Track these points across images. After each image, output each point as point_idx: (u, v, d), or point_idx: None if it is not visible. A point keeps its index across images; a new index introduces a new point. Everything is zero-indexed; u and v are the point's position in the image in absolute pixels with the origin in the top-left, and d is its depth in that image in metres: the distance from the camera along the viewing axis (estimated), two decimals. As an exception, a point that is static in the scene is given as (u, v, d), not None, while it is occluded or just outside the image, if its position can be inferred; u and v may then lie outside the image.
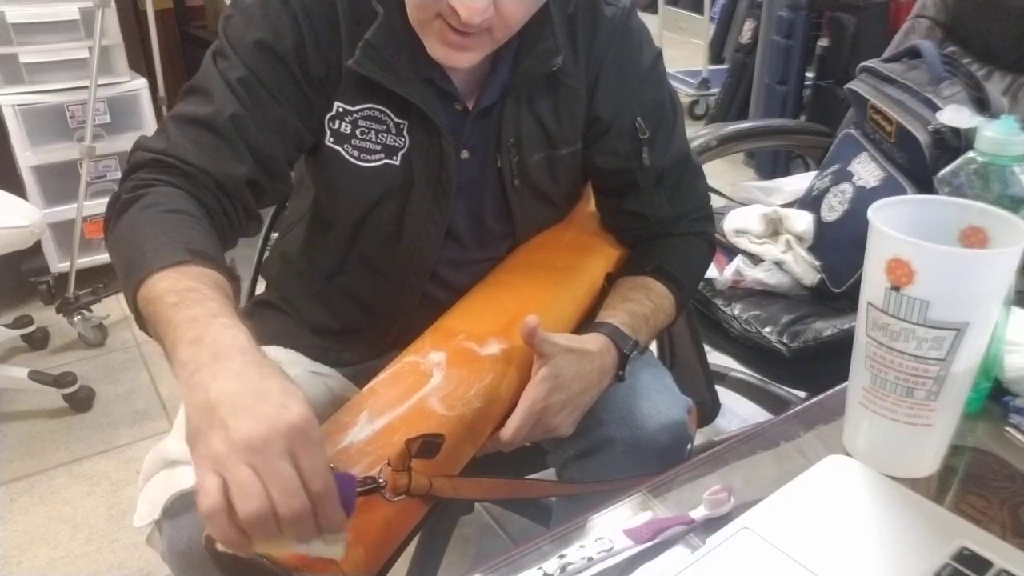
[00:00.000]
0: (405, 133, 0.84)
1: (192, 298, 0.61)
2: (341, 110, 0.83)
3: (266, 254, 1.08)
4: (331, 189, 0.88)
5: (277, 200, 0.87)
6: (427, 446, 0.67)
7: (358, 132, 0.83)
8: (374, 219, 0.87)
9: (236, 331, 0.58)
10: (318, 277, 0.94)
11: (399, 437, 0.67)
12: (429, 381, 0.77)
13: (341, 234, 0.89)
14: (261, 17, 0.79)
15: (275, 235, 1.06)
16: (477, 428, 0.77)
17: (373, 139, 0.84)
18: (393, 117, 0.83)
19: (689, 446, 0.87)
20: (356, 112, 0.83)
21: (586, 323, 0.89)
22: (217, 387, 0.54)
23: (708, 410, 1.09)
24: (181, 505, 0.74)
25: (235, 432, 0.51)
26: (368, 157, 0.84)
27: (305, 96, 0.81)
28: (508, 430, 0.76)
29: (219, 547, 0.61)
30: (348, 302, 0.94)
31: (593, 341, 0.81)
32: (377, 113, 0.83)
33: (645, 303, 0.88)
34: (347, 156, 0.84)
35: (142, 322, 0.65)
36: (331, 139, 0.84)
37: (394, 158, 0.84)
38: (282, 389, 0.55)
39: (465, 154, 0.87)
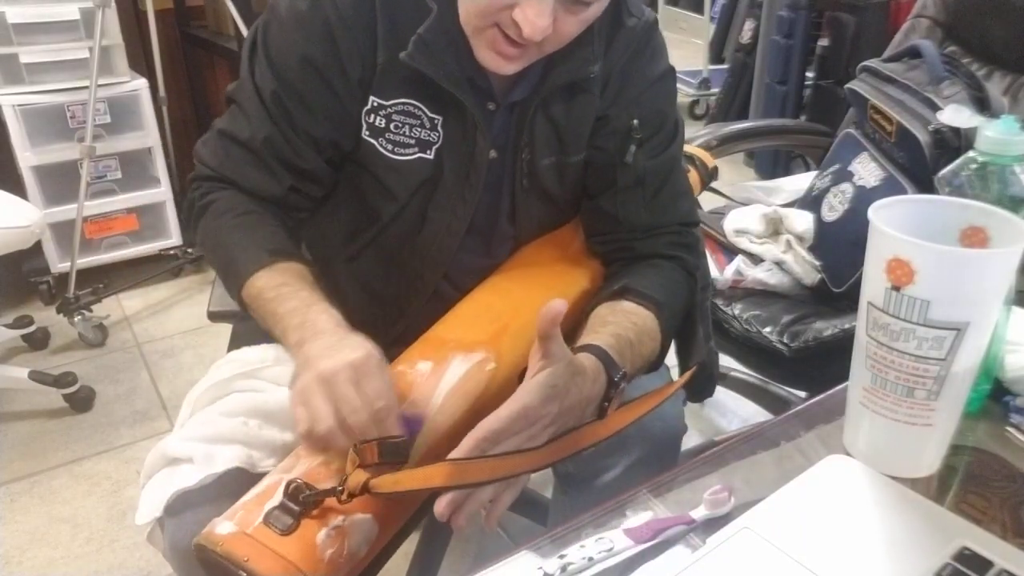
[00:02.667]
0: (439, 128, 0.85)
1: (286, 292, 0.78)
2: (376, 104, 0.84)
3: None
4: (367, 181, 0.89)
5: (323, 192, 0.92)
6: (388, 448, 0.66)
7: (392, 126, 0.85)
8: (403, 212, 0.88)
9: (328, 314, 0.75)
10: (331, 261, 0.95)
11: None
12: (413, 392, 0.76)
13: (371, 224, 0.90)
14: (296, 28, 0.82)
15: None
16: (457, 439, 0.77)
17: (407, 133, 0.85)
18: (427, 112, 0.84)
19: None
20: (390, 106, 0.84)
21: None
22: (314, 350, 0.70)
23: (708, 374, 1.02)
24: (183, 503, 0.75)
25: (315, 370, 0.67)
26: (402, 151, 0.86)
27: (342, 104, 0.84)
28: (484, 428, 0.65)
29: (207, 554, 0.62)
30: (358, 290, 0.94)
31: (585, 360, 0.72)
32: (411, 108, 0.84)
33: (628, 326, 0.81)
34: (381, 149, 0.85)
35: (249, 314, 0.82)
36: (367, 132, 0.85)
37: (428, 152, 0.86)
38: (355, 343, 0.70)
39: (493, 153, 0.88)
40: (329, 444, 0.67)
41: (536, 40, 0.73)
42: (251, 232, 0.84)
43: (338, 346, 0.70)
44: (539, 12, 0.71)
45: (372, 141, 0.85)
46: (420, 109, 0.84)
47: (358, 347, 0.69)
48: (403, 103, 0.84)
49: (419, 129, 0.85)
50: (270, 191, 0.87)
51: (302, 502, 0.65)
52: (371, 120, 0.85)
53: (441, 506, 0.64)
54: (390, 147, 0.85)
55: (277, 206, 0.88)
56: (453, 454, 0.65)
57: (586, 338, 0.78)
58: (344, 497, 0.65)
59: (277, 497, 0.66)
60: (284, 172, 0.87)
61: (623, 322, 0.81)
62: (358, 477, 0.65)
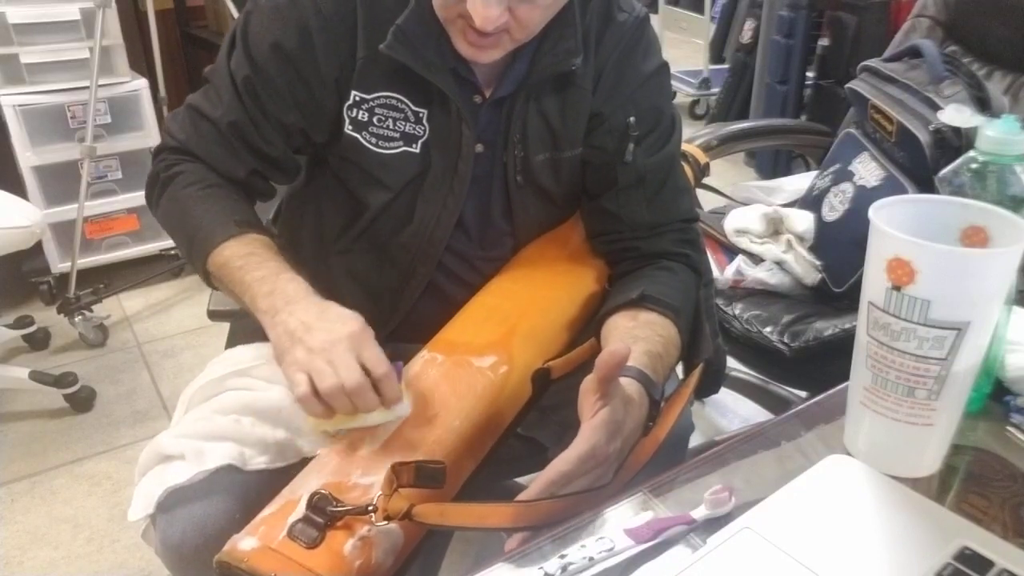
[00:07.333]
0: (425, 122, 0.85)
1: (254, 262, 0.80)
2: (358, 98, 0.85)
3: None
4: (355, 174, 0.89)
5: (289, 181, 0.95)
6: (426, 473, 0.64)
7: (375, 120, 0.85)
8: (392, 204, 0.89)
9: (297, 283, 0.78)
10: (325, 255, 0.95)
11: (399, 458, 0.66)
12: (426, 397, 0.76)
13: (361, 216, 0.90)
14: (274, 18, 0.84)
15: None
16: (476, 443, 0.76)
17: (391, 127, 0.86)
18: (411, 106, 0.85)
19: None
20: (372, 100, 0.85)
21: (585, 330, 0.87)
22: (294, 320, 0.73)
23: (715, 371, 1.02)
24: (174, 500, 0.75)
25: (311, 342, 0.71)
26: (387, 144, 0.86)
27: (313, 96, 0.85)
28: (554, 470, 0.64)
29: (230, 571, 0.62)
30: (352, 284, 0.94)
31: (629, 386, 0.72)
32: (394, 101, 0.85)
33: (656, 340, 0.81)
34: (365, 143, 0.86)
35: (212, 283, 0.85)
36: (350, 127, 0.86)
37: (414, 146, 0.86)
38: (340, 313, 0.74)
39: (479, 148, 0.88)
40: (330, 403, 0.69)
41: (488, 30, 0.74)
42: (219, 203, 0.86)
43: (325, 316, 0.73)
44: (487, 3, 0.72)
45: (355, 135, 0.86)
46: (404, 103, 0.85)
47: (348, 318, 0.74)
48: (385, 96, 0.85)
49: (403, 123, 0.85)
50: (232, 172, 0.89)
51: (328, 515, 0.64)
52: (353, 114, 0.85)
53: (513, 545, 0.61)
54: (374, 141, 0.86)
55: (239, 187, 0.90)
56: (522, 496, 0.63)
57: None
58: (381, 520, 0.63)
59: (300, 510, 0.65)
60: (248, 155, 0.88)
61: (651, 336, 0.81)
62: (399, 502, 0.62)
